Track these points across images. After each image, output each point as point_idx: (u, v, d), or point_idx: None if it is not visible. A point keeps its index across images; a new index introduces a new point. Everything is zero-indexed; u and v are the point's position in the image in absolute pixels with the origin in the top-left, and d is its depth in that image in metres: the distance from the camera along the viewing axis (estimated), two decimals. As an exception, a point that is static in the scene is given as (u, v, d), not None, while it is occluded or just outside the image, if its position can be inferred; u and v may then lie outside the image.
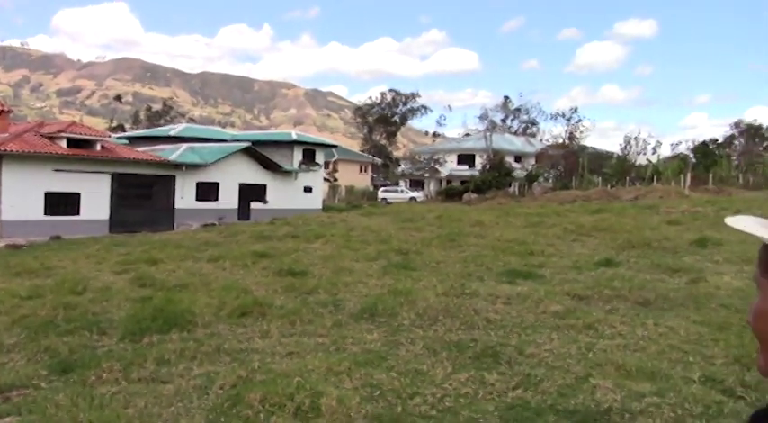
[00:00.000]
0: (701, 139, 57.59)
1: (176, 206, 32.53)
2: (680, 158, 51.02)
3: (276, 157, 38.36)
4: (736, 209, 21.08)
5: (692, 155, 52.90)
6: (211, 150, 35.25)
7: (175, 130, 42.70)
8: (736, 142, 61.57)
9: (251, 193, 36.50)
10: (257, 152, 36.72)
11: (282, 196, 37.91)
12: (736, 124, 63.03)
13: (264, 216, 32.13)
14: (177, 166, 32.42)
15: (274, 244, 17.37)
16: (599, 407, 5.10)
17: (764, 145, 59.90)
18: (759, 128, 60.41)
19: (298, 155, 40.61)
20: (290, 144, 40.84)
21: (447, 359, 6.52)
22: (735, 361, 6.05)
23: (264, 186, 37.58)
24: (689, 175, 41.00)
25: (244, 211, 35.63)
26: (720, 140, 60.48)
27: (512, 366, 6.25)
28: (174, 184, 32.53)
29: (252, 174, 36.74)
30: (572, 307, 8.76)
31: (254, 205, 36.38)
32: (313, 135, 59.18)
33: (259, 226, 24.15)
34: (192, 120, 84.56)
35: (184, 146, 35.37)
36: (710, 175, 41.10)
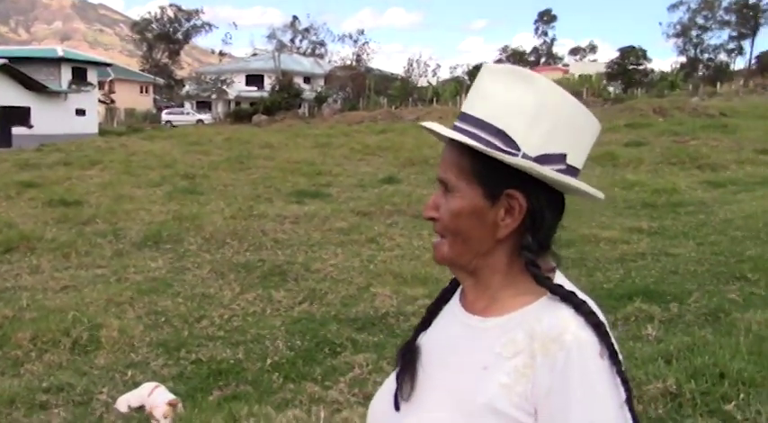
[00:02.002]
0: (475, 63, 61.69)
1: None
2: (457, 81, 54.36)
3: (40, 76, 34.29)
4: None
5: (467, 78, 56.62)
6: (-43, 68, 30.59)
7: None
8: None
9: (11, 116, 32.45)
10: (17, 70, 32.49)
11: (51, 120, 34.22)
12: (504, 49, 68.36)
13: (30, 142, 28.88)
14: None
15: (43, 172, 15.84)
16: (377, 312, 5.51)
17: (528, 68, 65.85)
18: (523, 53, 66.14)
19: (66, 74, 36.67)
20: (57, 62, 36.66)
21: (235, 281, 6.58)
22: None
23: (28, 109, 33.62)
24: (464, 97, 43.99)
25: (4, 138, 31.70)
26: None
27: (298, 283, 6.48)
28: None
29: (11, 95, 32.58)
30: (356, 223, 9.21)
31: (17, 130, 32.47)
32: (84, 52, 53.62)
33: (24, 153, 21.79)
34: (-71, 31, 72.00)
35: None
36: (483, 97, 44.32)
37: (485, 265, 0.99)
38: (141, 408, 3.88)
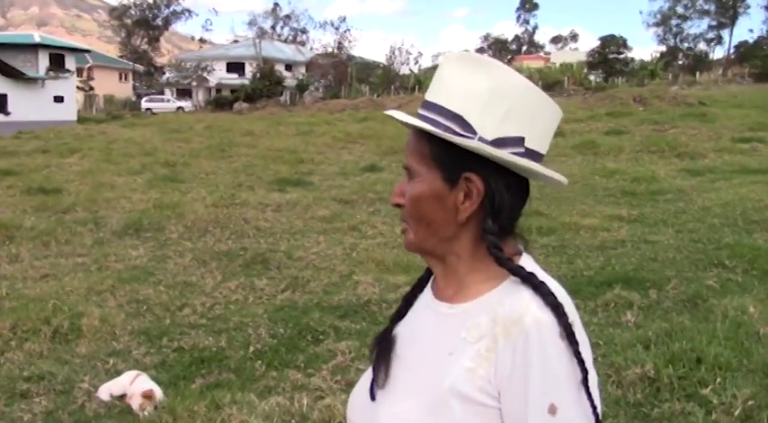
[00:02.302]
0: (456, 51, 61.66)
1: None
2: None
3: (17, 62, 33.82)
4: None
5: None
6: (-69, 53, 29.99)
7: None
8: (486, 55, 67.11)
9: (-12, 103, 32.02)
10: (-8, 56, 32.03)
11: (28, 107, 33.73)
12: (486, 38, 68.37)
13: (7, 129, 28.43)
14: None
15: (21, 160, 15.65)
16: (360, 300, 5.52)
17: (509, 58, 65.97)
18: (505, 41, 66.19)
19: (44, 60, 36.16)
20: (34, 48, 36.15)
21: (217, 269, 6.55)
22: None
23: (5, 96, 33.14)
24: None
25: (-20, 125, 31.25)
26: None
27: (281, 271, 6.47)
28: None
29: (-13, 81, 32.10)
30: (338, 211, 9.21)
31: (-7, 117, 32.06)
32: (61, 38, 52.86)
33: (1, 140, 21.48)
34: None
35: None
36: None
37: (450, 250, 1.01)
38: (123, 396, 3.86)
